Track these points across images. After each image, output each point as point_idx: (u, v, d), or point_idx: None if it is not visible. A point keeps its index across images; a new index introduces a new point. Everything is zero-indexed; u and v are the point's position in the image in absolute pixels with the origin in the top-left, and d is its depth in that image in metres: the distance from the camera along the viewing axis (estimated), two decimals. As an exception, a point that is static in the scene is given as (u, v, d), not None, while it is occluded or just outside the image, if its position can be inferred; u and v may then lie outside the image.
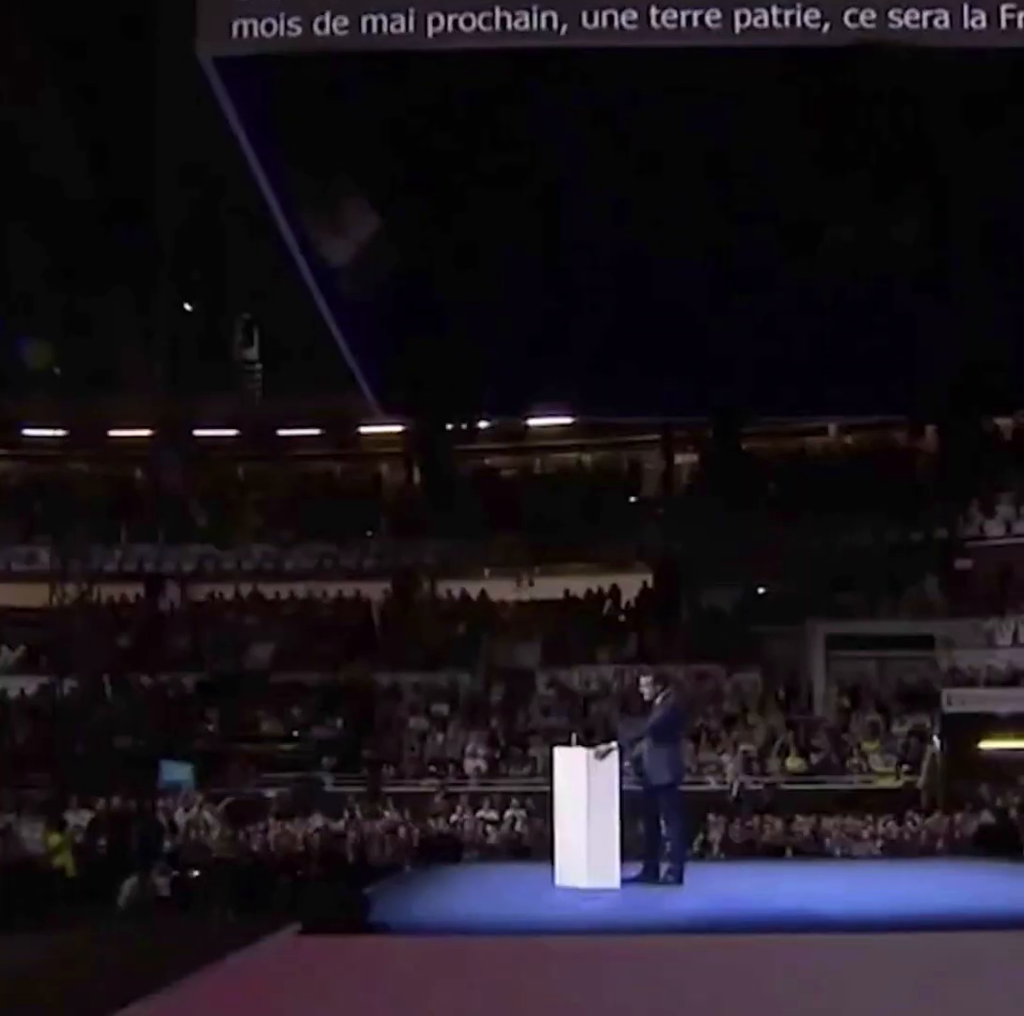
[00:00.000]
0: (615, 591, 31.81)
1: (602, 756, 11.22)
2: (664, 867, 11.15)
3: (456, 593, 32.16)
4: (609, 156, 10.46)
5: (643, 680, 11.84)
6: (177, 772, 24.96)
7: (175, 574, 32.28)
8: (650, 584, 32.17)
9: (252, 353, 20.17)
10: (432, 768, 26.19)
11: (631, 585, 32.13)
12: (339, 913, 9.01)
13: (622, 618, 31.43)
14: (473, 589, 32.10)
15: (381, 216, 8.69)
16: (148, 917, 19.66)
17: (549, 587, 32.07)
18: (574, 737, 12.04)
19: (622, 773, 11.23)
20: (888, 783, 24.74)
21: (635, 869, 11.14)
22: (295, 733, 27.55)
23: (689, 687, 28.24)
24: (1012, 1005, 6.11)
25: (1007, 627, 28.52)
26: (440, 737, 27.18)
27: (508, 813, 21.92)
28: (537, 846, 20.46)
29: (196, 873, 20.62)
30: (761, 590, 31.73)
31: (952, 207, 10.00)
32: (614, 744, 11.45)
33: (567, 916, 9.32)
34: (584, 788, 11.16)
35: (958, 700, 26.96)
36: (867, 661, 28.85)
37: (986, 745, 26.26)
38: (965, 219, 10.55)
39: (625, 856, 11.07)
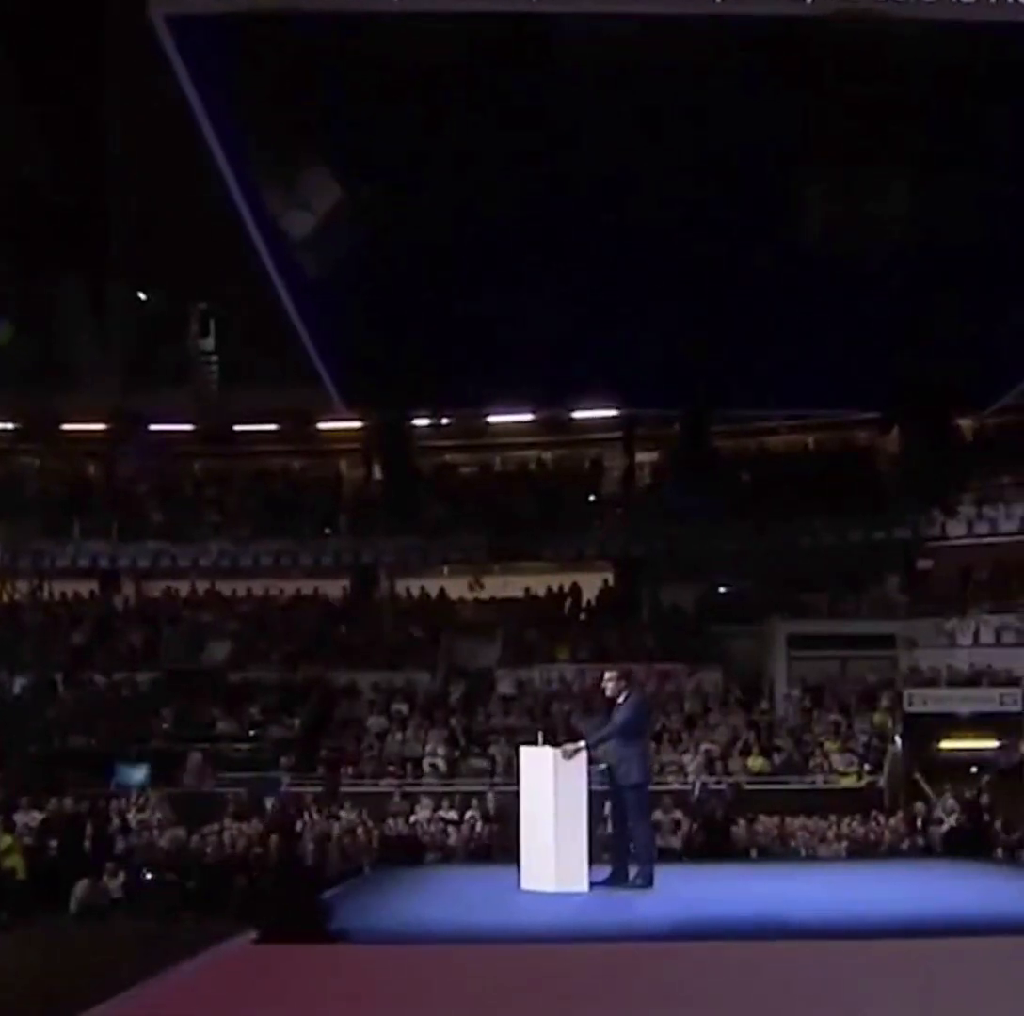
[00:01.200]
0: (575, 590, 31.57)
1: (570, 756, 10.93)
2: (633, 870, 10.87)
3: (415, 591, 31.84)
4: (576, 136, 10.20)
5: (607, 677, 11.52)
6: (131, 772, 24.51)
7: (130, 570, 31.86)
8: (611, 583, 31.96)
9: (208, 344, 19.75)
10: (391, 768, 25.83)
11: (592, 584, 31.91)
12: (298, 920, 8.63)
13: (582, 617, 31.17)
14: (432, 587, 31.80)
15: (343, 186, 8.33)
16: (101, 920, 19.30)
17: (509, 585, 31.86)
18: (540, 736, 11.73)
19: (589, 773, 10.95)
20: (850, 783, 24.58)
21: (603, 872, 10.86)
22: (252, 732, 27.09)
23: (648, 685, 28.11)
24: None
25: (968, 627, 28.51)
26: (399, 736, 26.82)
27: (469, 813, 21.61)
28: (499, 847, 20.26)
29: (150, 875, 20.26)
30: (722, 589, 31.60)
31: (922, 195, 9.77)
32: (582, 744, 11.16)
33: (534, 922, 9.01)
34: (551, 788, 10.87)
35: (919, 700, 26.90)
36: (829, 661, 28.73)
37: (947, 745, 26.22)
38: (935, 210, 10.34)
39: (593, 859, 10.78)
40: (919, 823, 19.03)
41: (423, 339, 12.35)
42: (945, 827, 18.79)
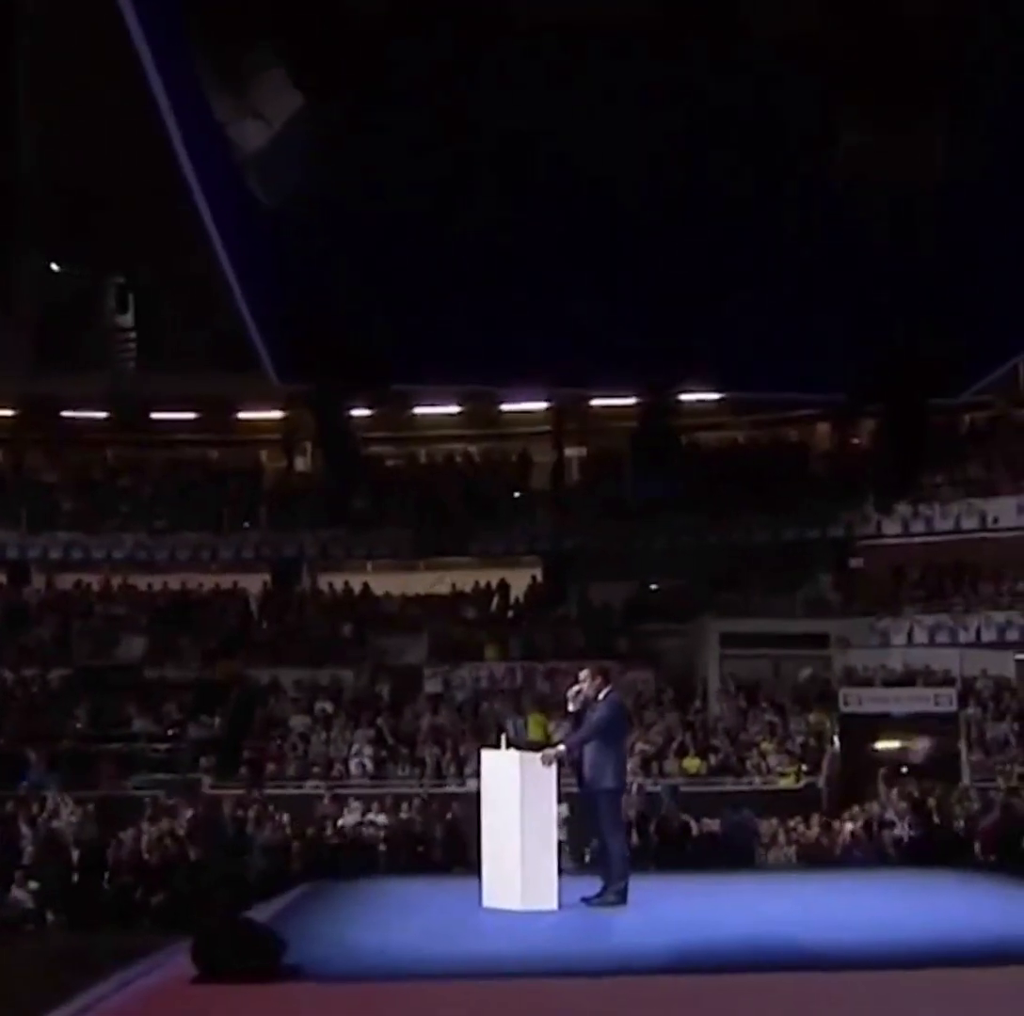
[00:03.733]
0: (503, 586, 30.88)
1: (550, 761, 10.14)
2: (602, 885, 10.11)
3: (338, 586, 30.95)
4: (533, 97, 9.39)
5: (581, 675, 10.72)
6: (43, 774, 23.37)
7: (40, 562, 30.64)
8: (539, 579, 31.32)
9: (126, 320, 18.53)
10: (315, 769, 24.93)
11: (520, 580, 31.25)
12: (247, 958, 7.48)
13: (511, 614, 30.49)
14: (356, 582, 30.93)
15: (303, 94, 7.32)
16: (7, 934, 18.28)
17: (435, 581, 31.13)
18: (503, 738, 10.91)
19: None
20: (789, 784, 24.13)
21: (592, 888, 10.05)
22: (170, 732, 26.04)
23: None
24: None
25: (901, 627, 28.29)
26: (324, 736, 25.93)
27: (401, 816, 20.78)
28: (433, 852, 19.51)
29: (63, 884, 19.21)
30: (653, 587, 31.09)
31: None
32: (562, 747, 10.38)
33: (507, 952, 8.01)
34: (517, 797, 10.07)
35: (855, 700, 26.60)
36: (762, 660, 28.32)
37: (882, 745, 25.94)
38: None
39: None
40: (875, 827, 18.52)
41: (379, 305, 11.42)
42: (898, 831, 18.31)
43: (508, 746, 10.65)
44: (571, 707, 10.65)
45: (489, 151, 9.92)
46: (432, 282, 11.77)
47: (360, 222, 10.74)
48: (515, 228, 11.25)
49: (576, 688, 10.64)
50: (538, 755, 10.25)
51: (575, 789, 10.82)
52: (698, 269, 11.73)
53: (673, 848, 17.65)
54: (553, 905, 9.83)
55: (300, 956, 7.55)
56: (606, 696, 10.47)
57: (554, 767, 10.17)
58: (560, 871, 10.08)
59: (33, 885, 18.99)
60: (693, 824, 18.78)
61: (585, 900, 10.04)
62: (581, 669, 10.82)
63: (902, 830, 18.32)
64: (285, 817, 20.93)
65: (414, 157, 9.52)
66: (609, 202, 10.86)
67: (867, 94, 7.29)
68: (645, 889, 10.44)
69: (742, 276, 11.84)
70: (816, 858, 17.82)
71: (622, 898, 10.04)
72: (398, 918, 9.95)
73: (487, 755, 10.76)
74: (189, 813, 20.96)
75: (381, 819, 20.95)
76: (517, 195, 10.85)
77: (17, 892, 18.88)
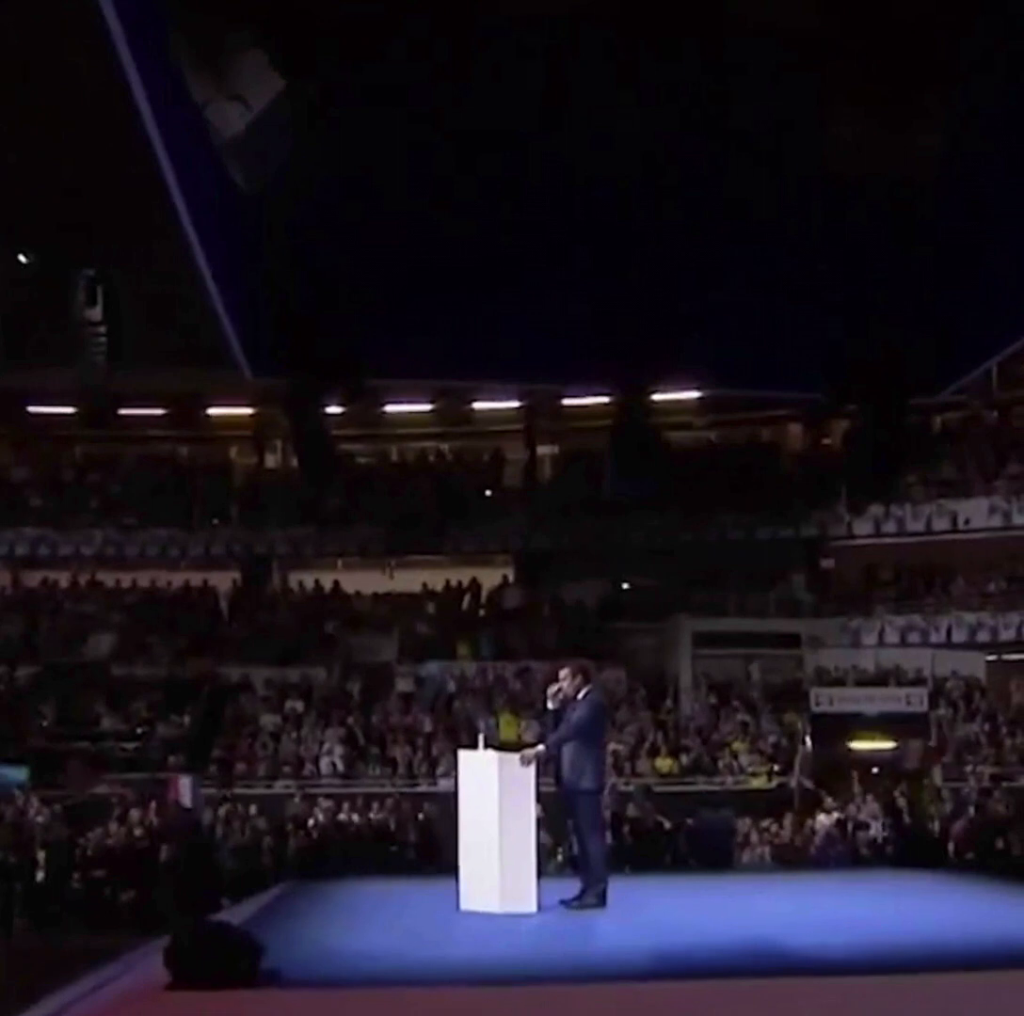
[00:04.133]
0: (475, 585, 30.74)
1: (529, 761, 10.00)
2: (581, 887, 9.99)
3: (309, 584, 30.74)
4: (516, 89, 9.28)
5: (561, 674, 10.55)
6: (10, 774, 23.07)
7: (7, 558, 30.24)
8: (511, 578, 31.20)
9: (96, 314, 18.25)
10: (286, 768, 24.74)
11: (491, 579, 31.12)
12: (224, 963, 7.26)
13: (482, 613, 30.35)
14: (326, 580, 30.73)
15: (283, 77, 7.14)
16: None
17: (406, 579, 30.98)
18: (481, 738, 10.76)
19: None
20: (760, 784, 24.09)
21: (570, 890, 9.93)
22: (138, 730, 25.78)
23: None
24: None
25: (873, 627, 28.32)
26: (294, 735, 25.73)
27: (373, 815, 20.63)
28: (406, 852, 19.40)
29: (29, 887, 19.00)
30: (625, 585, 31.01)
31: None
32: (541, 747, 10.25)
33: (490, 956, 7.86)
34: (495, 797, 9.93)
35: (826, 699, 26.58)
36: (734, 659, 28.30)
37: (855, 745, 25.91)
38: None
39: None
40: (850, 827, 18.48)
41: (352, 298, 11.26)
42: (872, 832, 18.28)
43: (486, 746, 10.51)
44: (550, 705, 10.50)
45: (469, 142, 9.81)
46: (407, 275, 11.63)
47: (335, 213, 10.60)
48: (493, 221, 11.13)
49: (555, 687, 10.50)
50: (516, 755, 10.12)
51: (551, 789, 10.69)
52: (677, 265, 11.65)
53: (648, 848, 17.55)
54: (532, 908, 9.70)
55: (278, 960, 7.37)
56: (585, 695, 10.33)
57: (533, 767, 10.04)
58: (539, 873, 9.95)
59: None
60: (667, 824, 18.69)
61: (564, 902, 9.93)
62: (560, 667, 10.64)
63: (876, 830, 18.29)
64: (255, 814, 20.78)
65: (392, 145, 9.39)
66: (590, 197, 10.77)
67: (861, 87, 7.21)
68: (622, 890, 10.33)
69: (721, 273, 11.76)
70: (790, 858, 17.77)
71: (602, 900, 9.92)
72: (376, 921, 9.79)
73: (464, 755, 10.61)
74: (160, 813, 20.75)
75: (353, 819, 20.81)
76: (496, 188, 10.74)
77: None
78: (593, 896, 9.94)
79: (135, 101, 8.08)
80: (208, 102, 7.01)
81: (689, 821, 18.99)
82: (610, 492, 14.72)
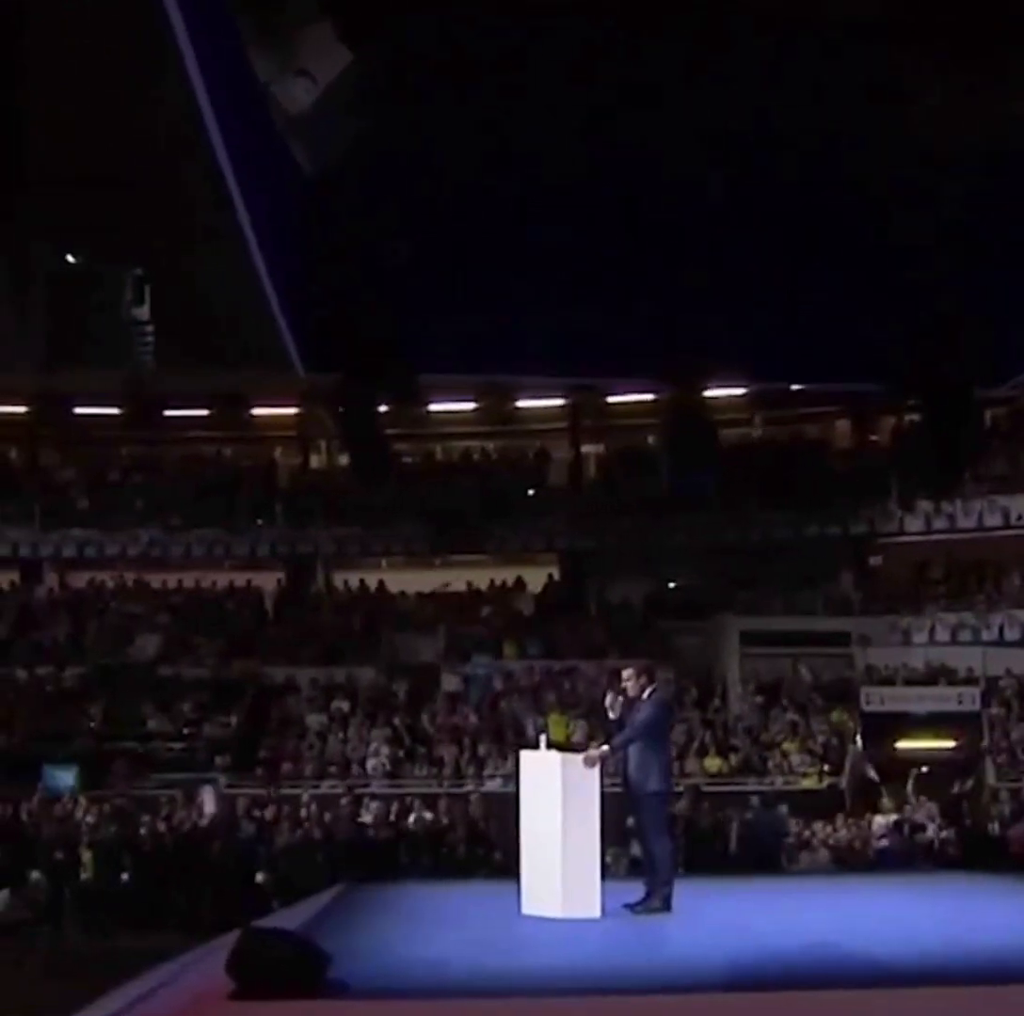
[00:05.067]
0: (520, 584, 30.59)
1: (593, 762, 9.83)
2: (647, 891, 9.81)
3: (353, 584, 30.66)
4: (570, 80, 9.14)
5: (625, 674, 10.39)
6: (60, 775, 23.09)
7: (54, 560, 30.30)
8: (556, 577, 31.03)
9: (143, 313, 18.20)
10: (333, 769, 24.65)
11: (536, 578, 30.96)
12: (289, 973, 7.11)
13: (527, 612, 30.18)
14: (371, 580, 30.64)
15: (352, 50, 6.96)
16: (25, 937, 18.05)
17: (451, 579, 30.86)
18: (543, 739, 10.58)
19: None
20: (811, 784, 23.84)
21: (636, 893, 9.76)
22: (185, 731, 25.77)
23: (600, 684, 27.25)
24: None
25: (923, 625, 27.96)
26: (341, 735, 25.65)
27: (424, 816, 20.47)
28: (456, 853, 19.26)
29: (78, 888, 18.98)
30: (672, 584, 30.80)
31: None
32: (605, 748, 10.08)
33: (560, 964, 7.64)
34: (558, 799, 9.76)
35: (877, 699, 26.31)
36: (782, 658, 28.02)
37: (906, 745, 25.63)
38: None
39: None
40: (906, 829, 18.21)
41: (405, 293, 11.14)
42: (930, 834, 18.01)
43: (548, 746, 10.35)
44: (611, 715, 10.25)
45: (528, 130, 9.65)
46: (458, 269, 11.51)
47: (388, 205, 10.48)
48: (545, 215, 10.99)
49: (611, 696, 10.29)
50: (580, 756, 9.96)
51: (611, 791, 10.50)
52: (736, 257, 11.47)
53: (702, 849, 17.32)
54: (596, 913, 9.53)
55: (342, 969, 7.21)
56: (650, 695, 10.16)
57: (597, 769, 9.87)
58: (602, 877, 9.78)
59: (48, 886, 18.83)
60: (726, 824, 18.47)
61: (629, 906, 9.75)
62: (625, 668, 10.47)
63: (932, 832, 18.01)
64: (303, 816, 20.70)
65: (453, 125, 9.24)
66: (646, 189, 10.60)
67: (949, 55, 7.02)
68: (684, 894, 10.13)
69: (781, 265, 11.57)
70: (849, 860, 17.52)
71: (667, 905, 9.75)
72: (437, 926, 9.62)
73: (525, 755, 10.44)
74: (208, 814, 20.72)
75: (406, 821, 20.59)
76: (549, 182, 10.59)
77: (34, 894, 18.68)
78: (658, 900, 9.77)
79: (193, 93, 7.95)
80: (273, 79, 6.86)
81: (741, 820, 18.75)
82: (667, 489, 14.59)
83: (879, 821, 18.88)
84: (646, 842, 9.94)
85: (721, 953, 7.58)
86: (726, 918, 9.66)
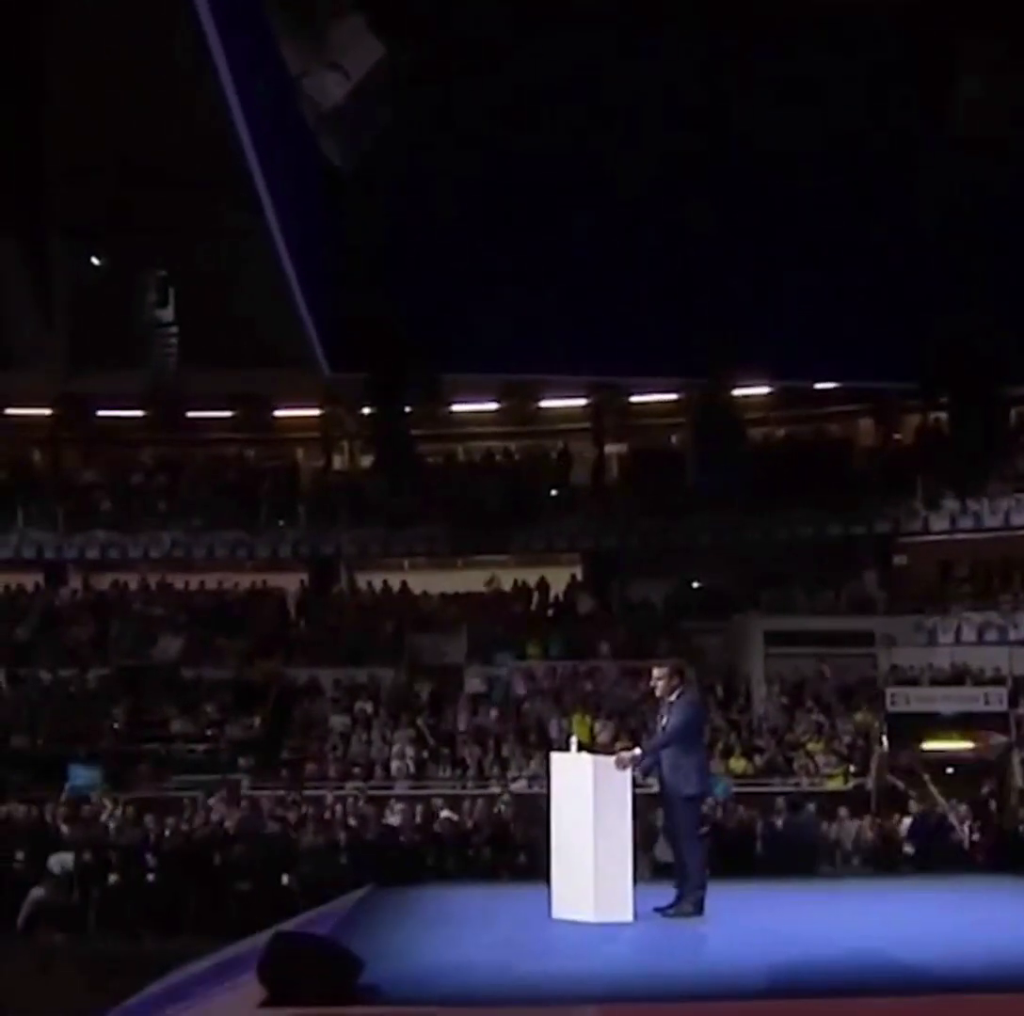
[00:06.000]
0: (543, 584, 30.50)
1: (625, 764, 9.75)
2: (677, 894, 9.73)
3: (376, 585, 30.62)
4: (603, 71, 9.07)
5: (655, 673, 10.30)
6: (84, 776, 23.11)
7: (77, 562, 30.38)
8: (579, 577, 30.94)
9: (167, 314, 18.10)
10: (356, 770, 24.61)
11: (559, 578, 30.87)
12: (322, 979, 7.03)
13: (550, 612, 30.11)
14: (394, 580, 30.59)
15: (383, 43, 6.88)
16: (50, 938, 18.07)
17: (474, 579, 30.79)
18: (573, 741, 10.49)
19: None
20: (837, 785, 23.68)
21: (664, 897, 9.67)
22: (208, 732, 25.77)
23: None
24: None
25: (949, 624, 27.76)
26: (365, 736, 25.61)
27: (448, 818, 20.40)
28: (481, 855, 19.19)
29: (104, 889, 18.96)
30: (694, 584, 30.66)
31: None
32: (638, 750, 10.01)
33: (595, 970, 7.57)
34: (589, 802, 9.68)
35: (902, 699, 26.11)
36: (806, 658, 27.88)
37: (932, 745, 25.43)
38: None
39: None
40: (933, 828, 18.05)
41: (431, 291, 11.07)
42: (958, 835, 17.85)
43: (579, 748, 10.27)
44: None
45: (558, 124, 9.58)
46: (482, 266, 11.44)
47: (413, 200, 10.41)
48: (572, 209, 10.91)
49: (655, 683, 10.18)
50: (612, 758, 9.89)
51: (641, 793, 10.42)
52: (768, 254, 11.38)
53: (732, 851, 17.19)
54: (629, 917, 9.45)
55: (374, 975, 7.12)
56: (680, 696, 10.08)
57: (629, 771, 9.79)
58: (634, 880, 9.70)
59: (75, 887, 18.82)
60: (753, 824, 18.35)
61: (660, 910, 9.67)
62: (655, 667, 10.38)
63: (962, 833, 17.86)
64: (327, 817, 20.66)
65: (484, 118, 9.17)
66: (675, 185, 10.51)
67: (991, 42, 6.93)
68: (714, 896, 10.02)
69: (813, 261, 11.47)
70: (880, 861, 17.37)
71: (699, 908, 9.67)
72: (467, 931, 9.53)
73: (556, 757, 10.37)
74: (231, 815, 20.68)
75: (431, 822, 20.50)
76: (573, 178, 10.51)
77: (58, 895, 18.67)
78: (690, 904, 9.69)
79: (223, 91, 7.88)
80: (305, 72, 6.79)
81: (768, 822, 18.63)
82: (694, 486, 14.52)
83: (907, 822, 18.72)
84: (679, 846, 9.85)
85: (760, 958, 7.48)
86: (760, 922, 9.55)
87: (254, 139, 8.40)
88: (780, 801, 20.27)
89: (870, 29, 8.03)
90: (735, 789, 22.58)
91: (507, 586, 30.54)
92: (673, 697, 10.09)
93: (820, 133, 9.22)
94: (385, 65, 6.95)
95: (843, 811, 19.45)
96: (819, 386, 29.91)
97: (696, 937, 8.98)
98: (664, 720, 10.12)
